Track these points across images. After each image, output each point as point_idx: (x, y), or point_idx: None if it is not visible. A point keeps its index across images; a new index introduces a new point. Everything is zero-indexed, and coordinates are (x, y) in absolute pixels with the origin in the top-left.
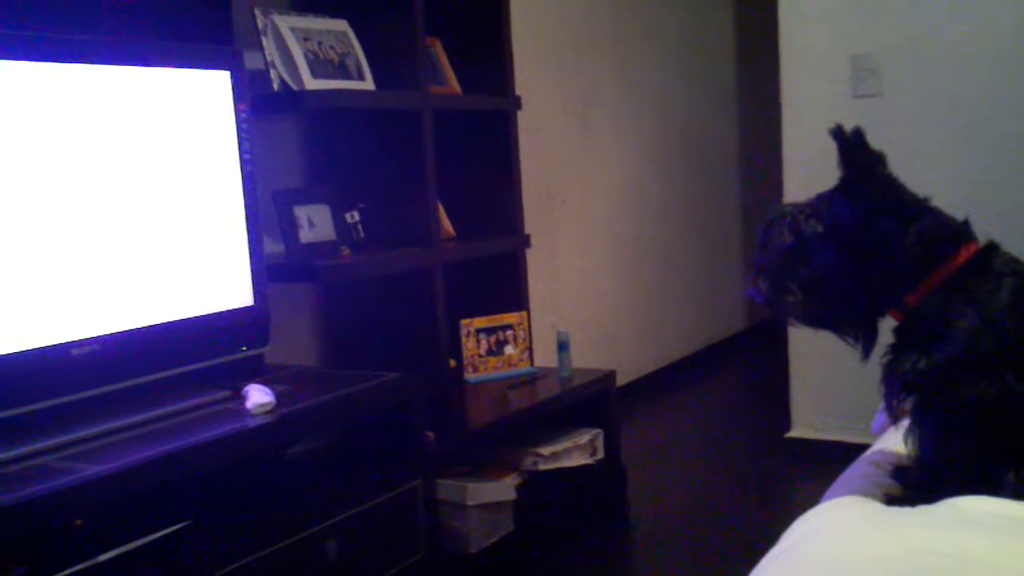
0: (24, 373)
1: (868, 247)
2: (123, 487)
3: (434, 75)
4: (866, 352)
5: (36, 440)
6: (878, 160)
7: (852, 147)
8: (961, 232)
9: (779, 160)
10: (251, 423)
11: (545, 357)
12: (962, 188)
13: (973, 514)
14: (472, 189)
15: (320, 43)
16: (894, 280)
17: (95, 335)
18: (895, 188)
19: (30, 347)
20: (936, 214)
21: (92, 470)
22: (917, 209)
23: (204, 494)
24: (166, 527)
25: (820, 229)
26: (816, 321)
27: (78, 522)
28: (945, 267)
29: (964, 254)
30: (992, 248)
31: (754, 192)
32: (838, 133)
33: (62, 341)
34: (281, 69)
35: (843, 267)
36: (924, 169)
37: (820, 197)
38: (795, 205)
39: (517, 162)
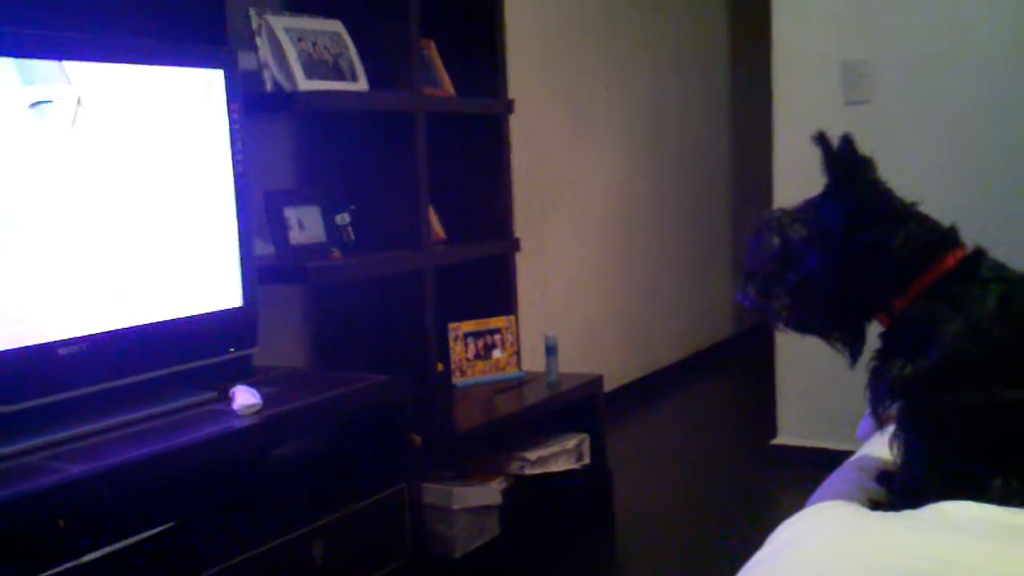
0: (10, 372)
1: (854, 252)
2: (108, 487)
3: (428, 77)
4: (853, 358)
5: (21, 439)
6: (866, 165)
7: (835, 153)
8: (948, 238)
9: (770, 166)
10: (237, 424)
11: (533, 361)
12: (952, 195)
13: (958, 519)
14: (463, 192)
15: (314, 44)
16: (881, 285)
17: (82, 334)
18: (882, 193)
19: (16, 346)
20: (924, 219)
21: (77, 470)
22: (904, 214)
23: (190, 495)
24: (151, 528)
25: (805, 234)
26: (803, 326)
27: (61, 522)
28: (932, 272)
29: (951, 260)
30: (979, 254)
31: (745, 199)
32: (821, 139)
33: (49, 340)
34: (275, 69)
35: (830, 272)
36: (915, 176)
37: (808, 202)
38: (783, 210)
39: (509, 165)
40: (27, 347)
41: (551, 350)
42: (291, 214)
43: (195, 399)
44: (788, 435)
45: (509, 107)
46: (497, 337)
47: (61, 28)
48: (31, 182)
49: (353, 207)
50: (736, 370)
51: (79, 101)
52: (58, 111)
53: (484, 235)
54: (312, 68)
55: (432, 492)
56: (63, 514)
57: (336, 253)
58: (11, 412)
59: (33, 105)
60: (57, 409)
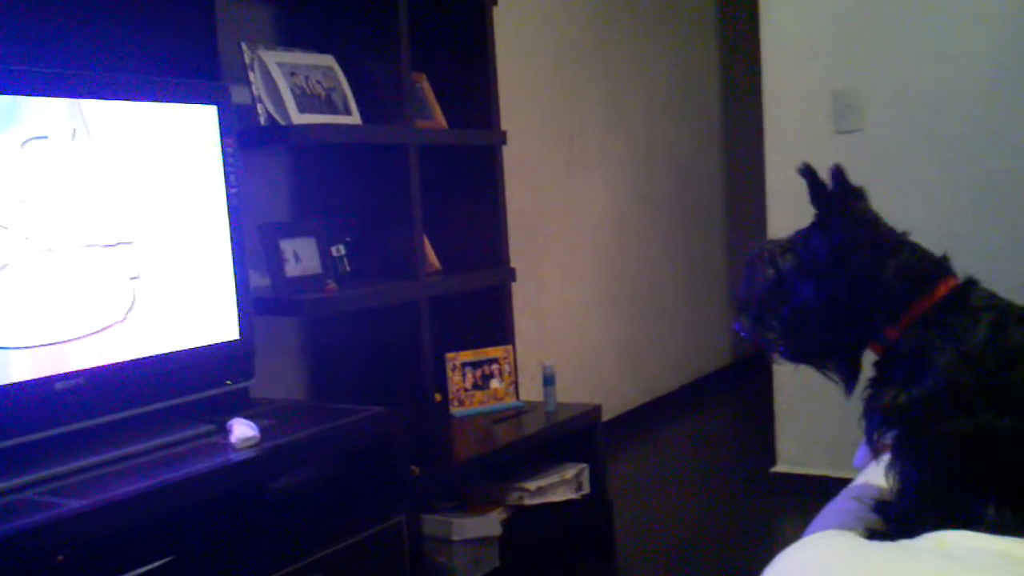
0: (7, 407)
1: (844, 282)
2: (106, 522)
3: (420, 110)
4: (849, 387)
5: (18, 474)
6: (856, 196)
7: (822, 185)
8: (940, 267)
9: (763, 195)
10: (235, 457)
11: (531, 391)
12: (943, 224)
13: (953, 548)
14: (458, 223)
15: (307, 78)
16: (872, 314)
17: (79, 368)
18: (871, 223)
19: (13, 380)
20: (915, 249)
21: (74, 505)
22: (895, 244)
23: (188, 529)
24: (150, 563)
25: (795, 264)
26: (797, 356)
27: (60, 558)
28: (924, 302)
29: (943, 289)
30: (971, 283)
31: (739, 227)
32: (806, 171)
33: (46, 374)
34: (268, 103)
35: (821, 302)
36: (905, 205)
37: (798, 233)
38: (776, 241)
39: (503, 196)
40: (24, 382)
41: (549, 379)
42: (287, 246)
43: (192, 432)
44: (787, 463)
45: (502, 138)
46: (495, 367)
47: (53, 65)
48: (24, 217)
49: (349, 239)
50: (735, 398)
51: (73, 137)
52: (52, 147)
53: (480, 265)
54: (305, 102)
55: (431, 523)
56: (61, 549)
57: (332, 285)
58: (8, 447)
59: (27, 141)
60: (54, 444)
